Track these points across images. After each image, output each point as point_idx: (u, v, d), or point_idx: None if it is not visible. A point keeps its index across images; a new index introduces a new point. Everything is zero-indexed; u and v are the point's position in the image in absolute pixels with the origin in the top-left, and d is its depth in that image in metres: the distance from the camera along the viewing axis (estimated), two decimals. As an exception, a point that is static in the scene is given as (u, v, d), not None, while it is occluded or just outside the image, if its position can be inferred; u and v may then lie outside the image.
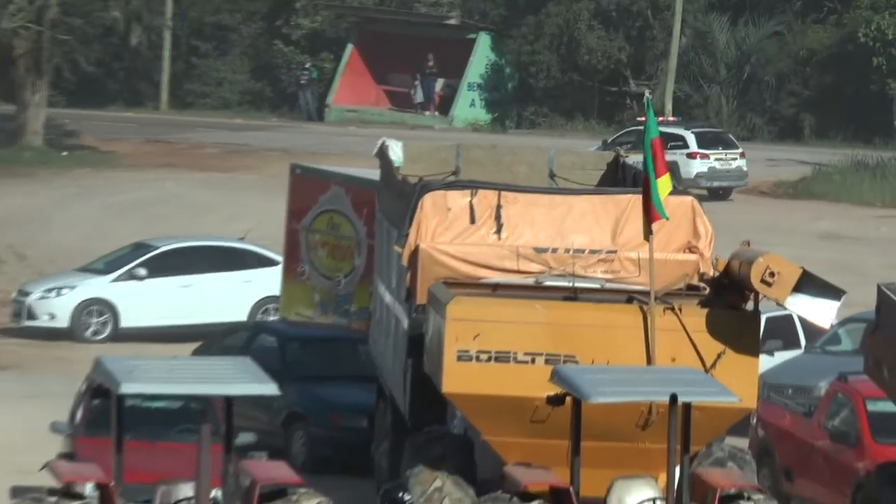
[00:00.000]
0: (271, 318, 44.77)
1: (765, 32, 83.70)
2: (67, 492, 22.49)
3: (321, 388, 33.96)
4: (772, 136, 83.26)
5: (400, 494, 26.11)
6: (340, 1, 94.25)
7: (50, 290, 50.42)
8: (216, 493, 21.50)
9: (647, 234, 23.67)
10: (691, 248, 26.36)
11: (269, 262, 47.29)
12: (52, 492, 22.50)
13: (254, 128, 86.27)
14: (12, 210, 63.76)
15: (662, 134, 25.55)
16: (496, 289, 25.85)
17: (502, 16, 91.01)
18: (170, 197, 66.24)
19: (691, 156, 67.15)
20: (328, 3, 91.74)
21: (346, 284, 40.49)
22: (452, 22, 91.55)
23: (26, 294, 50.46)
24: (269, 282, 46.27)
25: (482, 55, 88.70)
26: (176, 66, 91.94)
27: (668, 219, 24.08)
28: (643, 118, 34.13)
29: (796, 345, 39.22)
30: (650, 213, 23.36)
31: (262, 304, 46.82)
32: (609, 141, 61.17)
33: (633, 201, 25.30)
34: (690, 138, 68.14)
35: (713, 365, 23.95)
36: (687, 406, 21.19)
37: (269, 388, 21.60)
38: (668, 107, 79.04)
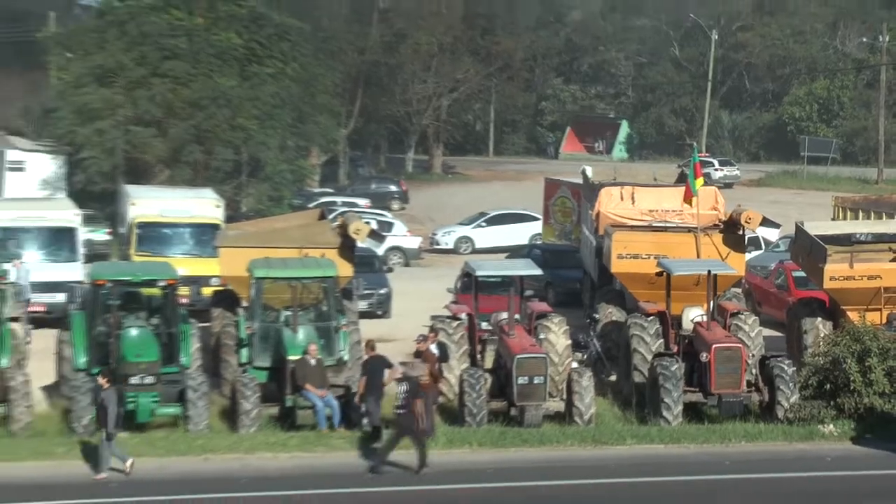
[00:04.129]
0: (537, 242, 61.88)
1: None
2: (454, 317, 37.33)
3: (560, 271, 48.78)
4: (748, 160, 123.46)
5: (594, 315, 41.59)
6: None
7: (446, 233, 73.53)
8: (517, 316, 36.62)
9: (688, 201, 40.63)
10: (714, 208, 42.57)
11: (536, 218, 67.87)
12: (449, 318, 37.25)
13: (529, 162, 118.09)
14: (428, 199, 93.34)
15: (701, 161, 43.11)
16: (633, 228, 41.70)
17: (634, 105, 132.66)
18: (494, 193, 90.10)
19: (716, 169, 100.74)
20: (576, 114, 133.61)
21: (569, 227, 59.41)
22: (610, 114, 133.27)
23: (435, 234, 74.06)
24: (537, 226, 66.88)
25: (624, 128, 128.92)
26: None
27: (696, 195, 40.04)
28: (700, 153, 50.83)
29: (760, 248, 55.56)
30: (688, 193, 40.52)
31: (534, 237, 65.16)
32: (680, 164, 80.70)
33: (688, 188, 41.03)
34: (715, 162, 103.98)
35: (725, 257, 39.74)
36: (714, 275, 36.51)
37: (538, 271, 38.52)
38: (704, 147, 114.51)
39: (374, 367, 33.48)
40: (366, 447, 32.24)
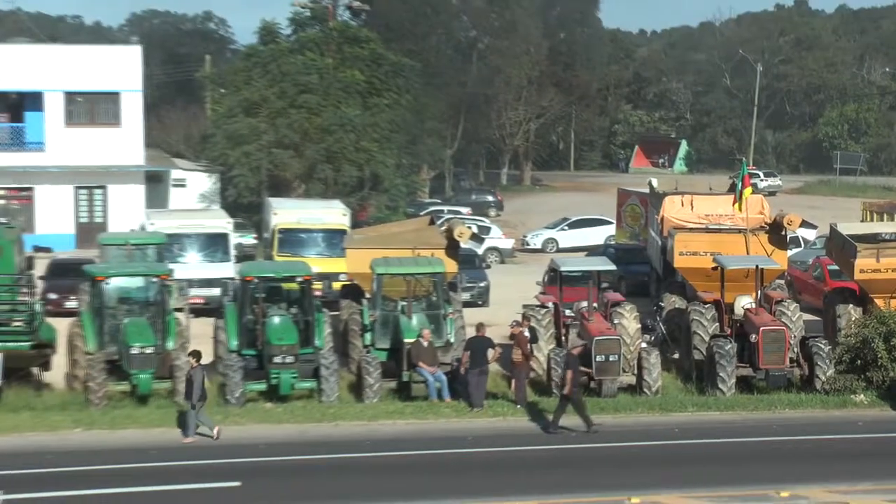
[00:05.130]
0: (611, 243, 59.85)
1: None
2: (542, 306, 37.59)
3: (630, 266, 47.34)
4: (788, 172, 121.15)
5: (660, 303, 41.33)
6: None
7: (534, 235, 72.24)
8: (595, 304, 36.95)
9: (739, 206, 41.04)
10: (760, 212, 41.76)
11: (610, 222, 66.05)
12: (538, 306, 37.28)
13: (603, 175, 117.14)
14: (519, 206, 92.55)
15: (749, 173, 43.21)
16: (692, 230, 41.33)
17: (692, 126, 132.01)
18: (575, 202, 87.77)
19: (761, 180, 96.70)
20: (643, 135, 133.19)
21: (637, 230, 57.81)
22: (672, 135, 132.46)
23: (525, 236, 72.49)
24: (611, 229, 65.25)
25: (684, 146, 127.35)
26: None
27: (745, 202, 40.37)
28: (748, 166, 49.49)
29: (800, 246, 54.52)
30: (739, 199, 40.95)
31: (608, 238, 63.30)
32: (731, 176, 75.12)
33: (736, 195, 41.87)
34: (761, 174, 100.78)
35: (770, 254, 39.53)
36: (761, 269, 37.04)
37: (612, 267, 39.10)
38: (751, 161, 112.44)
39: (478, 345, 33.61)
40: (469, 415, 32.44)
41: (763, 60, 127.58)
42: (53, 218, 67.51)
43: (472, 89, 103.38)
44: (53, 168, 67.48)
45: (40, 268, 44.14)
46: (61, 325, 36.26)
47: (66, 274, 43.84)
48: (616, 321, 36.52)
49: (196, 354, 31.33)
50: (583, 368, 32.29)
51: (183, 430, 30.40)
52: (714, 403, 33.90)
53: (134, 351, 33.34)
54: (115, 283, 35.66)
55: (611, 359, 34.31)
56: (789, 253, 44.35)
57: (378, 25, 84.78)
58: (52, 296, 42.43)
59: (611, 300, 37.63)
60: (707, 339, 36.14)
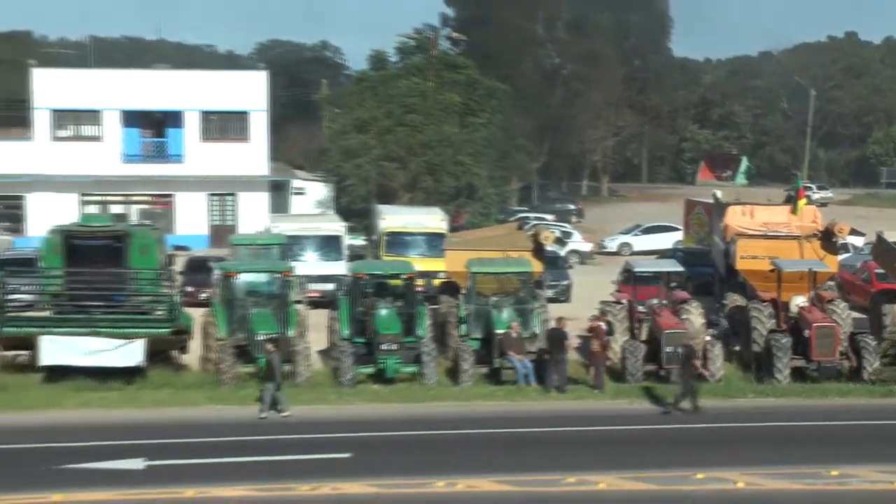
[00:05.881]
0: (679, 247, 57.74)
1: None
2: (618, 302, 37.61)
3: (696, 268, 44.39)
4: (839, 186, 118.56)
5: (723, 301, 40.33)
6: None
7: (611, 239, 71.53)
8: (665, 301, 37.23)
9: (795, 214, 40.75)
10: (814, 221, 40.93)
11: (678, 229, 62.85)
12: (614, 303, 37.62)
13: (673, 187, 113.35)
14: (597, 214, 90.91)
15: (804, 186, 42.54)
16: (752, 236, 40.30)
17: (752, 144, 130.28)
18: (647, 210, 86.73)
19: (814, 193, 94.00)
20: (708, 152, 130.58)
21: (703, 236, 54.66)
22: (734, 152, 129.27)
23: (603, 240, 71.58)
24: (679, 235, 61.93)
25: (745, 162, 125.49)
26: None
27: (796, 211, 40.36)
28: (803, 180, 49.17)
29: (849, 251, 53.37)
30: (795, 209, 40.83)
31: (676, 243, 61.43)
32: (787, 188, 72.47)
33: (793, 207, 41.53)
34: (814, 187, 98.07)
35: (822, 258, 38.74)
36: (814, 272, 36.90)
37: (680, 269, 39.27)
38: (805, 176, 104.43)
39: (554, 336, 33.75)
40: (553, 398, 32.42)
41: (817, 86, 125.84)
42: (190, 221, 68.38)
43: (557, 110, 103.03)
44: (191, 177, 68.30)
45: (179, 264, 45.05)
46: (197, 314, 36.62)
47: (200, 270, 44.29)
48: (684, 317, 36.26)
49: (274, 341, 31.47)
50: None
51: (272, 405, 30.28)
52: (771, 391, 33.57)
53: (259, 337, 33.57)
54: (243, 278, 36.09)
55: (679, 350, 33.78)
56: (839, 258, 43.87)
57: (474, 54, 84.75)
58: (189, 289, 42.78)
59: (679, 298, 37.44)
60: (765, 333, 35.80)
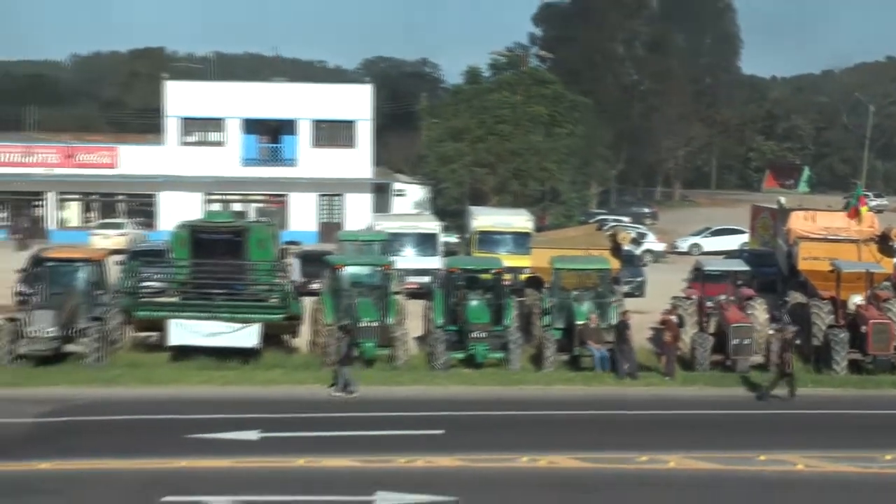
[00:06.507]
0: (745, 248, 56.64)
1: None
2: (688, 298, 36.93)
3: (761, 268, 42.55)
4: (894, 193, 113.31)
5: (786, 298, 39.22)
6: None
7: (682, 240, 70.40)
8: (732, 298, 36.86)
9: (856, 219, 40.48)
10: (871, 226, 40.85)
11: (744, 232, 61.72)
12: (685, 298, 37.11)
13: (740, 194, 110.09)
14: (670, 217, 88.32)
15: (863, 194, 42.29)
16: (814, 239, 39.96)
17: (813, 155, 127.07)
18: (716, 215, 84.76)
19: (871, 200, 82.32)
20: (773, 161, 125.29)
21: (767, 238, 52.94)
22: (797, 162, 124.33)
23: (675, 241, 70.36)
24: (745, 237, 60.96)
25: (807, 171, 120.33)
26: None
27: (858, 216, 40.03)
28: (862, 189, 47.57)
29: None
30: (857, 215, 40.53)
31: (743, 245, 60.83)
32: (846, 196, 73.07)
33: (852, 213, 41.26)
34: (871, 195, 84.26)
35: (878, 261, 38.56)
36: (871, 272, 36.38)
37: (746, 268, 38.90)
38: (864, 184, 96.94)
39: (619, 327, 33.74)
40: (627, 384, 32.19)
41: (875, 102, 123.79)
42: (302, 218, 69.12)
43: (634, 123, 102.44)
44: (302, 179, 69.02)
45: (291, 257, 44.62)
46: (307, 303, 36.71)
47: (310, 262, 44.43)
48: (749, 312, 35.83)
49: (346, 328, 31.51)
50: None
51: (344, 387, 30.23)
52: (829, 381, 33.08)
53: (362, 324, 33.71)
54: (349, 271, 36.17)
55: (745, 342, 33.79)
56: (895, 260, 42.31)
57: (559, 70, 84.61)
58: (301, 279, 42.95)
59: (745, 295, 37.03)
60: (824, 328, 35.33)
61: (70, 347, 32.83)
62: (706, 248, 68.42)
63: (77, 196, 69.61)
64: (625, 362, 32.97)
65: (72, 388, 29.85)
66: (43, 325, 32.41)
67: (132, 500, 20.29)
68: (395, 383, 31.37)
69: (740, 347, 33.62)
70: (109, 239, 57.31)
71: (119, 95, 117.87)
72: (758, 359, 34.30)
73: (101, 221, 66.05)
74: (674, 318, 34.62)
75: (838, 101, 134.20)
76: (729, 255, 56.04)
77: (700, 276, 38.71)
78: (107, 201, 69.51)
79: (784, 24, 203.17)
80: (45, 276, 35.17)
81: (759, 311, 36.34)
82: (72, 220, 69.12)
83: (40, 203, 69.10)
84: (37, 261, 36.95)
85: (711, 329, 35.61)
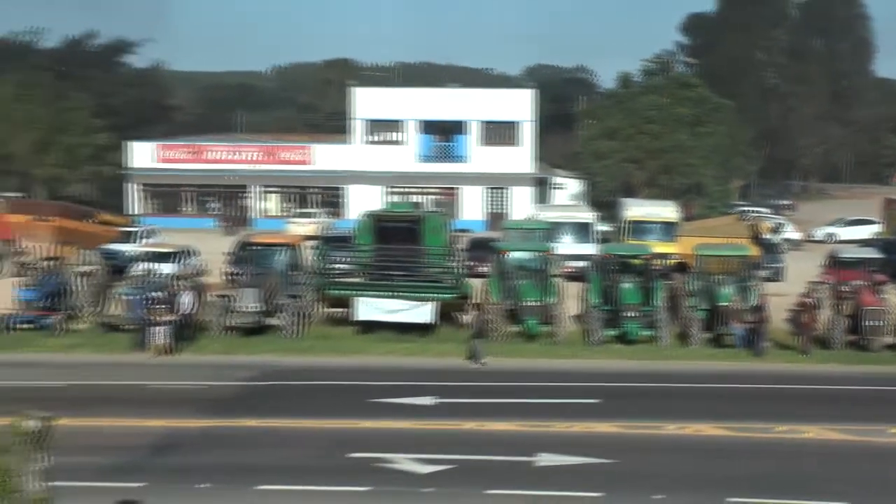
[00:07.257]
0: (878, 237, 53.32)
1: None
2: (824, 282, 36.07)
3: (893, 255, 40.68)
4: None
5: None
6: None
7: (818, 230, 65.90)
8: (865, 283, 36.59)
9: None
10: None
11: (877, 222, 58.85)
12: (821, 283, 36.75)
13: (872, 187, 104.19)
14: (807, 209, 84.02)
15: None
16: None
17: None
18: (850, 206, 79.93)
19: None
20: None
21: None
22: None
23: (812, 230, 65.42)
24: (877, 227, 57.93)
25: None
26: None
27: None
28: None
29: None
30: None
31: (876, 234, 56.44)
32: None
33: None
34: None
35: None
36: None
37: (879, 255, 37.40)
38: None
39: (755, 309, 32.99)
40: (767, 360, 31.31)
41: None
42: (471, 209, 69.25)
43: (773, 123, 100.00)
44: (472, 174, 69.16)
45: (463, 244, 44.89)
46: (476, 284, 36.85)
47: (479, 248, 44.47)
48: (882, 296, 34.58)
49: (478, 307, 31.58)
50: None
51: (475, 358, 30.18)
52: (959, 361, 31.64)
53: (525, 303, 33.66)
54: (513, 256, 36.17)
55: (878, 324, 32.65)
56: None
57: (704, 74, 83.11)
58: (470, 263, 43.18)
59: (877, 280, 35.86)
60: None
61: (271, 321, 33.60)
62: (841, 237, 65.97)
63: (276, 189, 70.99)
64: (761, 342, 32.18)
65: (272, 356, 30.51)
66: (248, 302, 33.25)
67: (322, 454, 20.58)
68: (555, 356, 31.25)
69: (874, 328, 32.49)
70: (304, 226, 58.18)
71: (313, 101, 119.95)
72: (890, 339, 33.02)
73: (297, 211, 67.20)
74: (810, 300, 33.67)
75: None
76: (862, 243, 54.14)
77: (835, 263, 37.89)
78: (302, 193, 70.74)
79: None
80: (249, 258, 36.19)
81: (892, 295, 35.21)
82: (272, 209, 70.52)
83: (246, 195, 70.83)
84: (242, 245, 37.93)
85: (846, 311, 34.37)
